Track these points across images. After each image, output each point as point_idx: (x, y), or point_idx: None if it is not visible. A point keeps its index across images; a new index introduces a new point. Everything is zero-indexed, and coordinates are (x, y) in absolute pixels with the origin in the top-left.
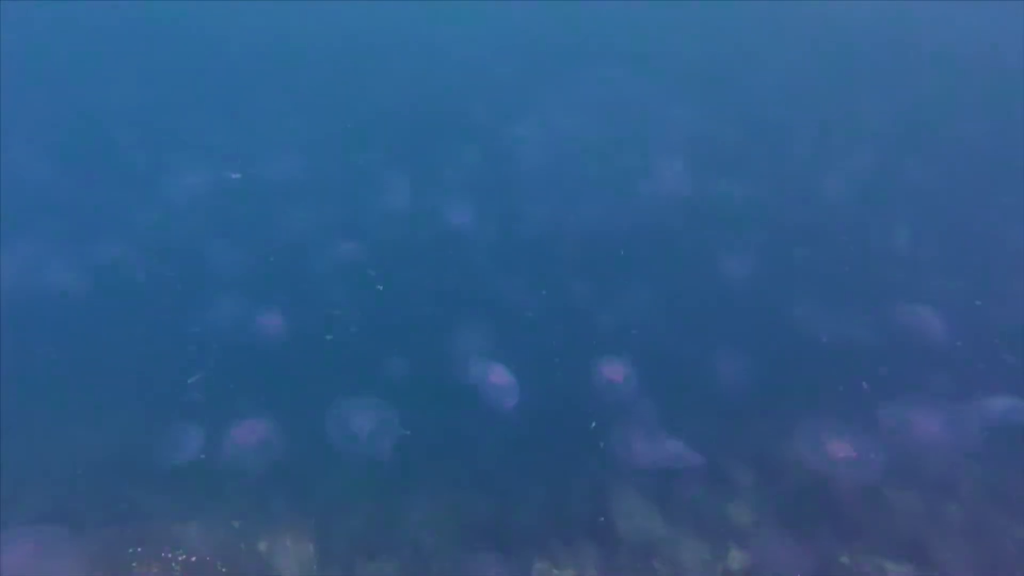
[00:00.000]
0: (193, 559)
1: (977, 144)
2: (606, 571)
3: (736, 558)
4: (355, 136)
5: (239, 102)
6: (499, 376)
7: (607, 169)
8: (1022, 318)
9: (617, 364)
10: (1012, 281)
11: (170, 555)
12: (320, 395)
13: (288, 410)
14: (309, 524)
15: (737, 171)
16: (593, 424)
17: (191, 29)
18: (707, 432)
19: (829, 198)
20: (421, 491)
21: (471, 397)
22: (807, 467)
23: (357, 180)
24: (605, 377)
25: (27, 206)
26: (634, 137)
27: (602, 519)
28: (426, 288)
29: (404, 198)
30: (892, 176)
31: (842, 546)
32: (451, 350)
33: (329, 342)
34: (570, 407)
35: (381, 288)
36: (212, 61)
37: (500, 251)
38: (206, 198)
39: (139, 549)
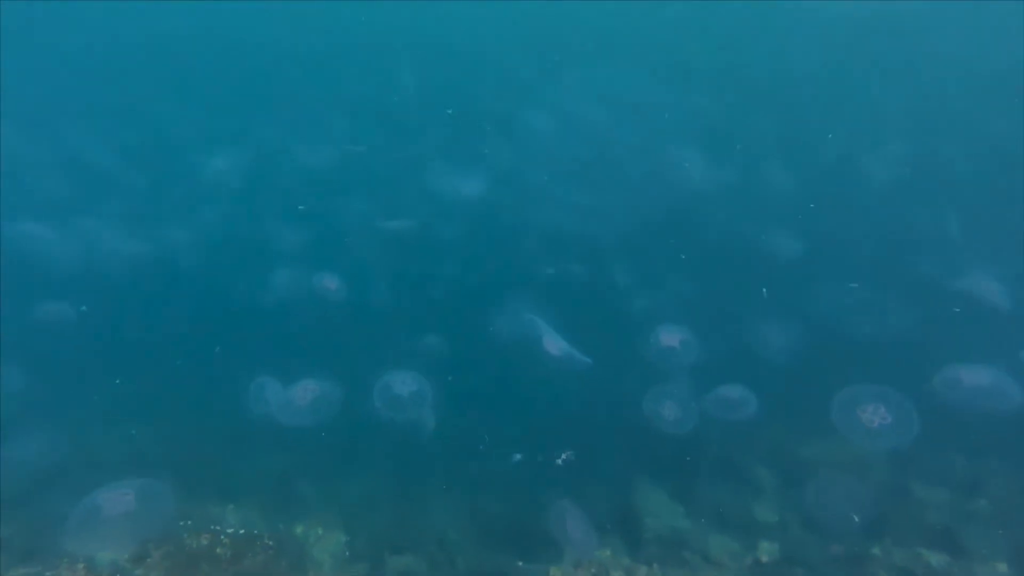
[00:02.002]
0: (241, 531)
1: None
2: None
3: (766, 549)
4: (395, 128)
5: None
6: (556, 346)
7: (640, 159)
8: None
9: (674, 332)
10: None
11: (218, 527)
12: (368, 368)
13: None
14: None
15: (772, 159)
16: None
17: (234, 34)
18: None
19: (854, 186)
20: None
21: (524, 365)
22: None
23: (401, 168)
24: (662, 344)
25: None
26: (661, 129)
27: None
28: (475, 269)
29: (447, 185)
30: (924, 164)
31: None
32: (505, 324)
33: (372, 317)
34: (621, 374)
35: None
36: (256, 64)
37: (545, 235)
38: (260, 185)
39: (189, 522)
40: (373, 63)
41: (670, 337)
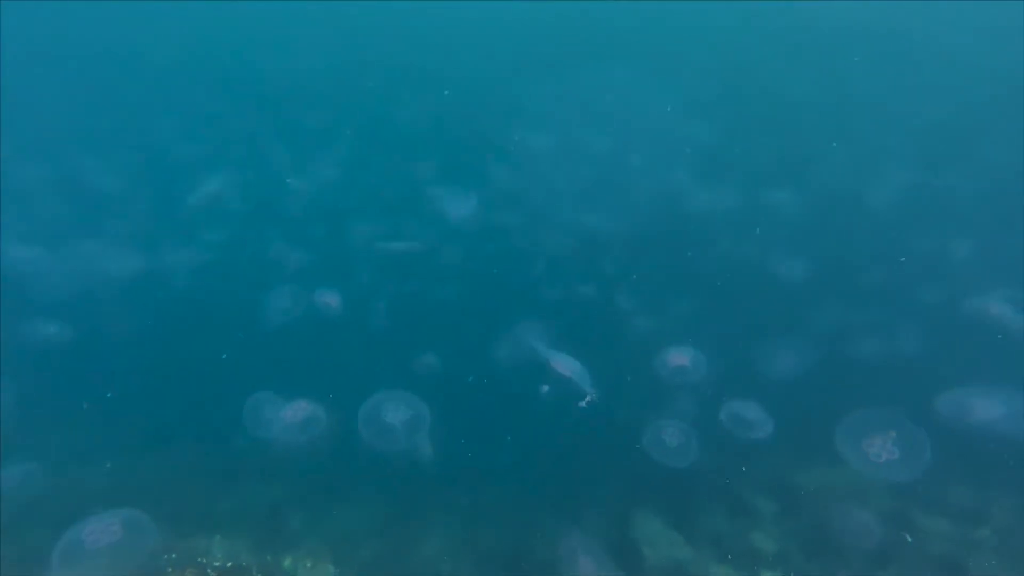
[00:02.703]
0: (229, 564)
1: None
2: None
3: None
4: (396, 150)
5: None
6: (565, 366)
7: (644, 182)
8: None
9: (677, 355)
10: None
11: (204, 560)
12: (364, 392)
13: (335, 406)
14: (331, 542)
15: (777, 181)
16: None
17: (238, 54)
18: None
19: (859, 206)
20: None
21: (526, 389)
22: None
23: (403, 189)
24: (665, 367)
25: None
26: (666, 152)
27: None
28: (477, 291)
29: (448, 206)
30: (929, 183)
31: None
32: (510, 347)
33: (371, 341)
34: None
35: None
36: (259, 84)
37: (551, 259)
38: (266, 206)
39: (173, 555)
40: (377, 84)
41: (673, 361)
